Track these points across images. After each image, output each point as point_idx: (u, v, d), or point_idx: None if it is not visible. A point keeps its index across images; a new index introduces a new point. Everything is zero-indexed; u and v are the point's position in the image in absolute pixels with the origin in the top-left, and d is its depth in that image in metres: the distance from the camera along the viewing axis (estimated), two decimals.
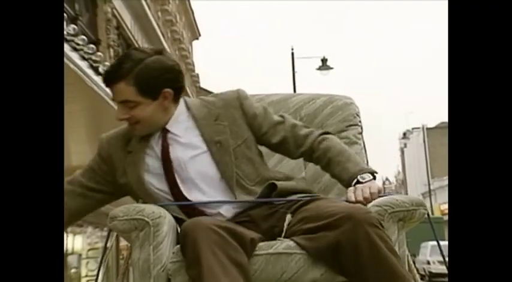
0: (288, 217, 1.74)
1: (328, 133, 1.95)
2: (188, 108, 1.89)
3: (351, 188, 1.76)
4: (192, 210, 1.80)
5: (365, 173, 1.80)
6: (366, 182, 1.77)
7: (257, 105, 1.94)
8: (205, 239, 1.55)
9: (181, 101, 1.90)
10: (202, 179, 1.82)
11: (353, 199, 1.72)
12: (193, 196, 1.81)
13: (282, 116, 1.96)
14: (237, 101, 1.90)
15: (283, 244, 1.67)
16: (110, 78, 1.79)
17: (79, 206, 1.90)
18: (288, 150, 1.94)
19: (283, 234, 1.72)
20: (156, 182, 1.84)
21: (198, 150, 1.84)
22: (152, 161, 1.85)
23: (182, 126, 1.87)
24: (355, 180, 1.79)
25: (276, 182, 1.83)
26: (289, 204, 1.79)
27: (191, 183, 1.82)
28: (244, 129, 1.88)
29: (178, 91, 1.86)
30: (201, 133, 1.85)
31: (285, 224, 1.73)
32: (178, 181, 1.82)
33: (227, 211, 1.81)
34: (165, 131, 1.86)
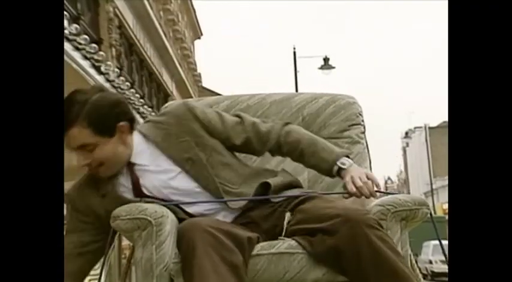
0: (287, 215, 1.74)
1: (288, 123, 1.92)
2: (144, 135, 1.85)
3: (347, 180, 1.74)
4: (191, 216, 1.79)
5: (342, 158, 1.80)
6: (347, 167, 1.78)
7: (209, 111, 1.89)
8: (200, 240, 1.56)
9: (135, 131, 1.85)
10: (187, 195, 1.80)
11: (354, 190, 1.71)
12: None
13: (238, 116, 1.92)
14: (189, 113, 1.84)
15: (285, 244, 1.67)
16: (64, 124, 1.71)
17: (81, 265, 1.85)
18: (253, 149, 1.90)
19: (283, 233, 1.72)
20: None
21: (172, 173, 1.80)
22: (130, 198, 1.81)
23: (146, 155, 1.83)
24: (335, 168, 1.79)
25: (269, 181, 1.81)
26: (287, 201, 1.79)
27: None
28: (207, 138, 1.83)
29: (132, 122, 1.82)
30: (168, 156, 1.81)
31: (285, 223, 1.73)
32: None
33: (225, 217, 1.81)
34: (131, 165, 1.82)
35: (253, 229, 1.74)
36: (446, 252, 1.96)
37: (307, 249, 1.63)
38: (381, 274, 1.54)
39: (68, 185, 1.83)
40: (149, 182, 1.81)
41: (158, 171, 1.81)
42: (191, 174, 1.80)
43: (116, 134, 1.77)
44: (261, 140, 1.88)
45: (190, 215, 1.79)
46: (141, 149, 1.83)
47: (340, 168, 1.79)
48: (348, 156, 1.82)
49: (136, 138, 1.84)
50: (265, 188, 1.82)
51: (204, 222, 1.65)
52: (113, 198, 1.80)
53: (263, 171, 1.92)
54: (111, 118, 1.77)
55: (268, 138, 1.88)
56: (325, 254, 1.60)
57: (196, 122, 1.84)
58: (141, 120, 6.74)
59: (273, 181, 1.82)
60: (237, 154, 1.94)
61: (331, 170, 1.81)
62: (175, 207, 1.79)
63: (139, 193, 1.81)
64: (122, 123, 1.78)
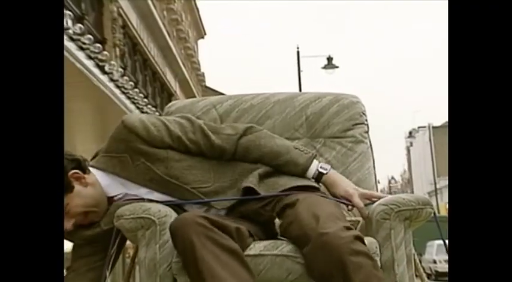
0: (277, 221, 1.75)
1: (246, 133, 1.84)
2: (102, 169, 1.84)
3: (353, 193, 1.78)
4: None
5: (312, 163, 1.81)
6: (327, 172, 1.81)
7: (153, 123, 1.81)
8: (195, 234, 1.55)
9: (91, 169, 1.84)
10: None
11: (361, 205, 1.77)
12: None
13: (189, 120, 1.85)
14: (132, 134, 1.79)
15: (288, 246, 1.67)
16: None
17: (93, 278, 1.84)
18: (208, 156, 1.83)
19: (278, 236, 1.73)
20: None
21: (148, 194, 1.80)
22: None
23: (115, 186, 1.83)
24: (315, 173, 1.81)
25: (250, 185, 1.76)
26: (274, 198, 1.76)
27: None
28: (158, 152, 1.79)
29: (80, 165, 1.81)
30: (132, 182, 1.81)
31: (277, 228, 1.74)
32: None
33: (217, 203, 1.80)
34: (111, 201, 1.84)
35: (246, 223, 1.74)
36: None
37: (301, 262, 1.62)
38: None
39: None
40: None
41: (135, 195, 1.81)
42: (162, 192, 1.79)
43: (74, 184, 1.77)
44: (214, 151, 1.82)
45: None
46: (107, 183, 1.83)
47: (320, 173, 1.81)
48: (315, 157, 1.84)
49: (97, 174, 1.83)
50: (246, 190, 1.77)
51: (191, 215, 1.64)
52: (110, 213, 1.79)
53: (236, 167, 1.84)
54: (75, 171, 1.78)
55: (223, 154, 1.82)
56: (313, 276, 1.59)
57: (141, 141, 1.79)
58: (123, 98, 6.73)
59: (251, 182, 1.77)
60: None
61: (303, 175, 1.81)
62: (176, 207, 1.80)
63: None
64: (70, 173, 1.77)
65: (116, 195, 1.84)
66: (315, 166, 1.82)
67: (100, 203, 1.82)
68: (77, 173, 1.80)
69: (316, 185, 1.84)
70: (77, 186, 1.78)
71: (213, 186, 1.79)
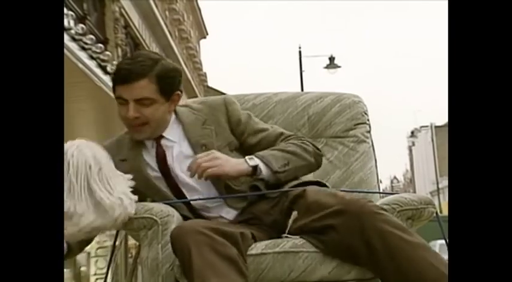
0: (294, 214, 1.73)
1: (300, 138, 1.91)
2: (177, 114, 1.90)
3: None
4: (194, 211, 1.82)
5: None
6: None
7: (243, 112, 1.94)
8: (194, 242, 1.55)
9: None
10: (197, 182, 1.82)
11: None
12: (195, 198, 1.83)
13: (271, 126, 1.95)
14: (223, 107, 1.90)
15: (289, 242, 1.67)
16: (131, 75, 1.77)
17: None
18: (261, 150, 1.88)
19: (286, 231, 1.72)
20: (161, 186, 1.85)
21: (188, 158, 1.83)
22: (150, 169, 1.86)
23: (174, 133, 1.88)
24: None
25: (256, 183, 1.80)
26: (285, 194, 1.78)
27: (189, 187, 1.84)
28: (228, 133, 1.88)
29: (180, 96, 1.89)
30: (188, 138, 1.86)
31: (290, 221, 1.72)
32: (180, 186, 1.84)
33: (228, 213, 1.82)
34: (159, 139, 1.87)
35: (256, 224, 1.75)
36: None
37: (320, 248, 1.63)
38: (396, 262, 1.53)
39: None
40: (171, 157, 1.85)
41: (178, 152, 1.85)
42: None
43: (170, 101, 1.83)
44: (269, 144, 1.89)
45: (193, 210, 1.81)
46: (173, 127, 1.88)
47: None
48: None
49: (173, 115, 1.90)
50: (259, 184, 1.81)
51: (192, 223, 1.65)
52: (132, 166, 1.82)
53: None
54: (174, 84, 1.83)
55: (275, 144, 1.89)
56: (337, 251, 1.61)
57: (225, 116, 1.89)
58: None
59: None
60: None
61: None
62: (180, 203, 1.80)
63: (164, 165, 1.84)
64: (178, 92, 1.85)
65: (167, 138, 1.86)
66: (251, 163, 1.79)
67: (158, 130, 1.85)
68: (179, 96, 1.84)
69: (319, 180, 1.88)
70: (167, 104, 1.82)
71: (238, 188, 1.83)
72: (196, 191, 1.83)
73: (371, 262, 1.57)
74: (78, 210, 1.59)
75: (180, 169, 1.84)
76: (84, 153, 1.64)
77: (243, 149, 1.89)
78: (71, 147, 1.65)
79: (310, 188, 1.76)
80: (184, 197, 1.83)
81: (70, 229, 1.58)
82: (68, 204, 1.57)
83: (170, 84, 1.81)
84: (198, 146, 1.84)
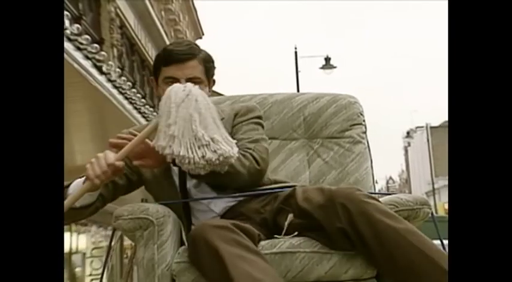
0: (290, 216, 1.74)
1: (248, 151, 1.88)
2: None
3: None
4: (186, 204, 1.86)
5: None
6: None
7: (252, 116, 1.97)
8: (216, 236, 1.55)
9: None
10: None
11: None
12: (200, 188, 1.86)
13: (256, 138, 1.93)
14: (245, 108, 1.98)
15: (286, 243, 1.67)
16: (185, 55, 1.91)
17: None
18: None
19: (283, 232, 1.72)
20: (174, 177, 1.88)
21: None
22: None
23: None
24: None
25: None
26: (274, 195, 1.82)
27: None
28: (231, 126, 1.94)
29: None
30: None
31: (286, 223, 1.73)
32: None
33: (216, 206, 1.85)
34: None
35: (246, 223, 1.75)
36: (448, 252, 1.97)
37: (321, 241, 1.65)
38: (386, 249, 1.54)
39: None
40: None
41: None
42: None
43: (208, 85, 1.95)
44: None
45: (186, 208, 1.84)
46: None
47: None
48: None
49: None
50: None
51: (214, 221, 1.67)
52: None
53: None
54: (213, 69, 1.97)
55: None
56: (335, 242, 1.62)
57: (234, 111, 1.99)
58: (142, 121, 6.76)
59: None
60: None
61: None
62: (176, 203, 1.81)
63: None
64: (214, 79, 1.97)
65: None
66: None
67: None
68: (214, 83, 1.96)
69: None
70: (207, 89, 1.91)
71: None
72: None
73: (363, 250, 1.59)
74: (217, 137, 1.65)
75: None
76: (201, 92, 1.74)
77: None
78: (185, 86, 1.73)
79: (299, 187, 1.80)
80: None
81: (209, 155, 1.62)
82: (202, 132, 1.64)
83: (211, 68, 1.95)
84: None
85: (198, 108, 1.67)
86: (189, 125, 1.64)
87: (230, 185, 1.82)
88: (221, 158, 1.65)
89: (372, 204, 1.59)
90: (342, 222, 1.58)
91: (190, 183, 1.86)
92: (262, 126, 1.99)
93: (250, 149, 1.85)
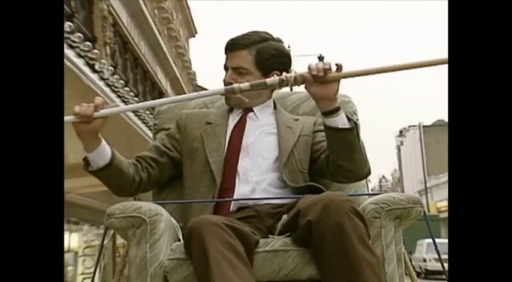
0: (284, 217, 1.75)
1: None
2: (275, 104, 2.07)
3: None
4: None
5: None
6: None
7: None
8: (211, 235, 1.55)
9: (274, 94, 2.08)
10: (260, 155, 1.92)
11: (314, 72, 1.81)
12: (243, 165, 1.90)
13: None
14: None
15: (279, 241, 1.68)
16: (234, 45, 1.98)
17: (128, 169, 1.91)
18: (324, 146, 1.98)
19: (276, 232, 1.73)
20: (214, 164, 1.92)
21: (270, 136, 1.97)
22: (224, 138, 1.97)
23: (266, 117, 2.02)
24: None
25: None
26: (287, 205, 1.82)
27: (247, 161, 1.91)
28: (311, 131, 2.01)
29: None
30: (277, 120, 2.02)
31: (279, 225, 1.74)
32: (239, 158, 1.91)
33: (235, 196, 1.86)
34: (247, 111, 2.02)
35: (256, 223, 1.77)
36: (440, 251, 1.97)
37: (302, 245, 1.63)
38: (335, 261, 1.53)
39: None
40: (250, 129, 1.98)
41: (261, 124, 2.00)
42: (280, 135, 1.97)
43: (266, 78, 1.91)
44: None
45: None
46: (266, 109, 2.05)
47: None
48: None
49: (272, 100, 2.08)
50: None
51: (213, 218, 1.66)
52: (216, 130, 1.99)
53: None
54: (274, 62, 1.99)
55: None
56: (303, 237, 1.61)
57: (315, 120, 2.06)
58: (135, 119, 6.74)
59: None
60: None
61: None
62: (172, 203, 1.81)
63: (237, 132, 1.97)
64: (277, 72, 1.96)
65: (255, 113, 2.03)
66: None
67: (251, 101, 1.97)
68: (278, 75, 1.90)
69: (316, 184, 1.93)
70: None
71: (300, 174, 1.96)
72: (252, 160, 1.90)
73: (315, 251, 1.59)
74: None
75: (253, 139, 1.94)
76: None
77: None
78: None
79: (305, 197, 1.77)
80: (235, 163, 1.90)
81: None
82: None
83: (268, 60, 1.97)
84: (283, 127, 1.99)
85: None
86: None
87: (353, 148, 1.85)
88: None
89: (349, 218, 1.55)
90: (316, 216, 1.57)
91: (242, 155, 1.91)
92: None
93: None
